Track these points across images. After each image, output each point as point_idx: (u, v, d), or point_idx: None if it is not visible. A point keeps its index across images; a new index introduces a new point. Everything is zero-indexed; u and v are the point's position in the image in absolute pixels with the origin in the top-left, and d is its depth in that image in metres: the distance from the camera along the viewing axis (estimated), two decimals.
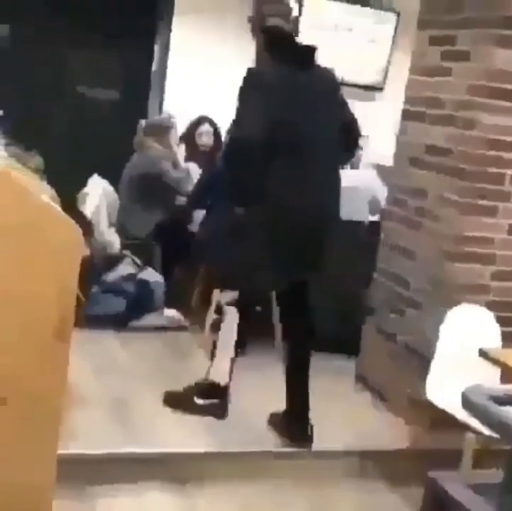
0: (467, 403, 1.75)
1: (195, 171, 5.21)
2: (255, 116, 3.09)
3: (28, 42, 5.78)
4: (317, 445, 3.53)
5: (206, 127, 5.55)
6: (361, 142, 5.29)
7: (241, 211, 3.35)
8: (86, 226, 4.81)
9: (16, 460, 2.29)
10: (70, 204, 3.97)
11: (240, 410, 3.66)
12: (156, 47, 6.25)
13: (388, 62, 6.58)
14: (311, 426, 3.51)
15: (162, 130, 5.21)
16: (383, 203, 4.57)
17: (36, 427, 2.30)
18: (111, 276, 4.77)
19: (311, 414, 3.53)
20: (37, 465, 2.32)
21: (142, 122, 5.36)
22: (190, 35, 6.13)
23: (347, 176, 4.88)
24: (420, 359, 3.76)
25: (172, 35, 6.17)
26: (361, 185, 4.96)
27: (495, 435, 1.71)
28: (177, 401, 3.62)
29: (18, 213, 2.19)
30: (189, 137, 5.57)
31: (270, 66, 3.28)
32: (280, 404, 3.55)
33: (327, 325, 4.54)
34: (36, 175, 3.21)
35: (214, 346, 3.54)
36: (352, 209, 4.78)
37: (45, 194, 2.51)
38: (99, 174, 5.33)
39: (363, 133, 5.53)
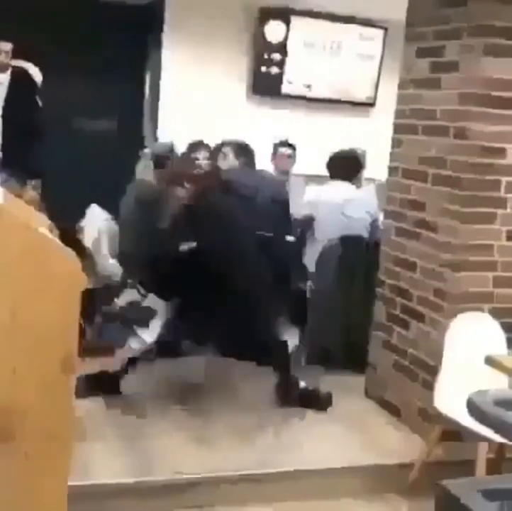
0: (473, 408, 1.74)
1: None
2: None
3: None
4: (330, 462, 3.52)
5: (202, 153, 5.56)
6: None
7: None
8: (87, 257, 4.81)
9: (27, 495, 2.28)
10: (70, 235, 3.97)
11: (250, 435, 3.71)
12: (147, 76, 6.30)
13: (379, 77, 6.61)
14: None
15: (165, 156, 5.25)
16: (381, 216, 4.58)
17: (46, 460, 2.29)
18: (114, 305, 4.76)
19: (323, 430, 3.64)
20: (48, 499, 2.31)
21: (146, 150, 5.40)
22: (181, 60, 6.18)
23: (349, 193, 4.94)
24: (428, 370, 3.75)
25: (163, 62, 6.21)
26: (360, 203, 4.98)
27: (502, 440, 1.70)
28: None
29: (18, 248, 2.20)
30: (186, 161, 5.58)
31: None
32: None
33: (336, 341, 4.57)
34: (31, 207, 3.23)
35: None
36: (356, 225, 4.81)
37: (43, 227, 2.51)
38: (98, 204, 5.33)
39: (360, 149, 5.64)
